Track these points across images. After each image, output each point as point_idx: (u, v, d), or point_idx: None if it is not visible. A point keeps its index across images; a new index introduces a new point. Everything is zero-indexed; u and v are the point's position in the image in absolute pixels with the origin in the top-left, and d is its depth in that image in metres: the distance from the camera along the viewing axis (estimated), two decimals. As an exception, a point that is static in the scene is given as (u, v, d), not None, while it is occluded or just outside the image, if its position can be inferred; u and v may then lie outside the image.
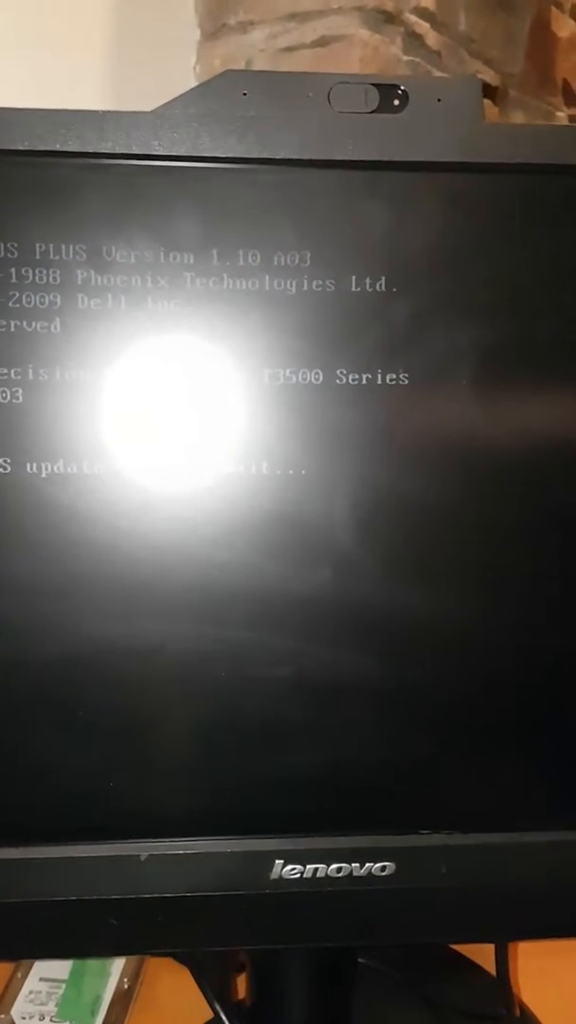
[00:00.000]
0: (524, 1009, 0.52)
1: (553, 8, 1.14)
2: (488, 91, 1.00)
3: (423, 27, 0.92)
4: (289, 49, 0.89)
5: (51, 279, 0.37)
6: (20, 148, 0.36)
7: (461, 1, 0.99)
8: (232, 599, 0.39)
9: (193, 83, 0.95)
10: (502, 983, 0.50)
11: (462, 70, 0.98)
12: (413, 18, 0.91)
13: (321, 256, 0.38)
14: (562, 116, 1.17)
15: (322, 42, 0.88)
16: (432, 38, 0.94)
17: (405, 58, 0.91)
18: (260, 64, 0.90)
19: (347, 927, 0.41)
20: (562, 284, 0.39)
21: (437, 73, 0.94)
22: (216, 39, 0.94)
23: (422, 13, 0.92)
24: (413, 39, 0.92)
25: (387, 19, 0.89)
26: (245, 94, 0.37)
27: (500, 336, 0.39)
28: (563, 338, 0.39)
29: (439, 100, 0.38)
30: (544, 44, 1.13)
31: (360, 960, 0.51)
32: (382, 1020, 0.51)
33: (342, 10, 0.87)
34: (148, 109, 0.37)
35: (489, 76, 1.04)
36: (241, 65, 0.91)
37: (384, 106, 0.37)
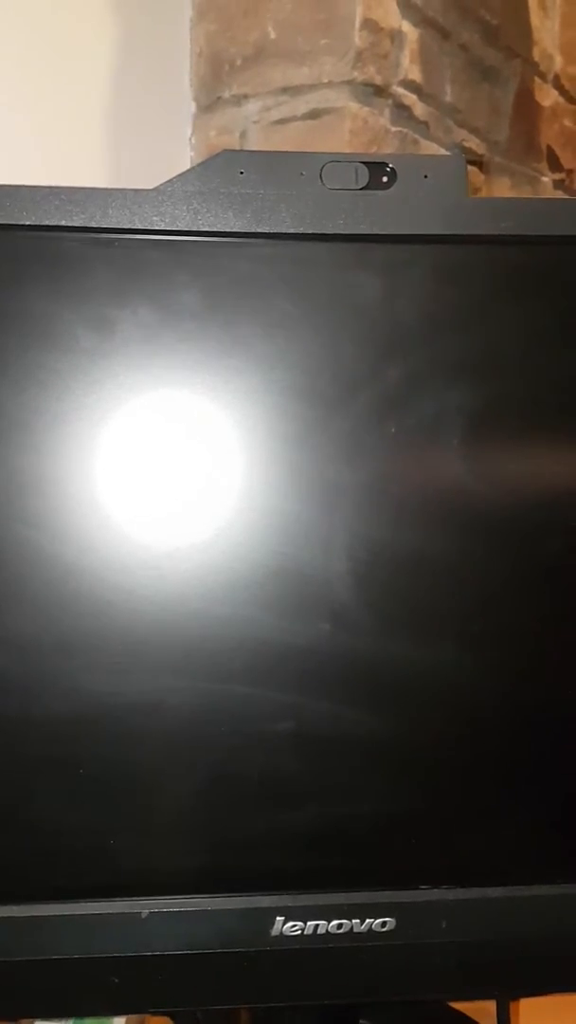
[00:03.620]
0: (527, 1069, 0.52)
1: (536, 78, 1.18)
2: (473, 161, 1.04)
3: (410, 99, 0.96)
4: (282, 121, 0.92)
5: (55, 346, 0.38)
6: (27, 223, 0.38)
7: (447, 73, 1.03)
8: (231, 653, 0.40)
9: (189, 154, 0.99)
10: (504, 1042, 0.50)
11: (449, 140, 1.01)
12: (400, 90, 0.95)
13: (315, 323, 0.39)
14: (547, 181, 1.20)
15: (313, 115, 0.91)
16: (419, 109, 0.97)
17: (393, 129, 0.94)
18: (254, 136, 0.94)
19: (348, 984, 0.41)
20: (543, 350, 0.41)
21: (424, 143, 0.98)
22: (211, 112, 0.97)
23: (409, 85, 0.95)
24: (401, 110, 0.95)
25: (376, 92, 0.92)
26: (242, 172, 0.39)
27: (486, 398, 0.41)
28: (545, 400, 0.41)
29: (425, 176, 0.40)
30: (528, 113, 1.18)
31: (361, 1021, 0.51)
32: None
33: (332, 84, 0.91)
34: (145, 178, 0.39)
35: (475, 144, 1.07)
36: (235, 137, 0.94)
37: (373, 183, 0.39)
